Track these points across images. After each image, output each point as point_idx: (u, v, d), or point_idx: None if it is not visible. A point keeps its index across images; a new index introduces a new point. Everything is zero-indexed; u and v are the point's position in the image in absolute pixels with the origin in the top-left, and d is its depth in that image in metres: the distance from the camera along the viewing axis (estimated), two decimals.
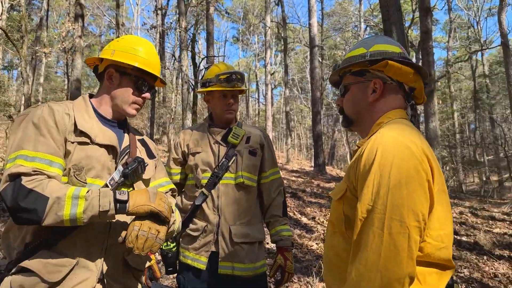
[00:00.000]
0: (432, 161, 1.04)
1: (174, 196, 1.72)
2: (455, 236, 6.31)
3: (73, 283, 1.29)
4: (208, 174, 2.07)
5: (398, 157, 1.00)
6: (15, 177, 1.23)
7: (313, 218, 7.07)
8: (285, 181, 10.62)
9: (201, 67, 12.84)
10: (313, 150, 17.09)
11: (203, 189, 2.05)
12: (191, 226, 2.07)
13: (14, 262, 1.28)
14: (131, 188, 1.50)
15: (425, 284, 1.01)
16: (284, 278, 2.10)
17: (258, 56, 34.28)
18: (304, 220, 6.97)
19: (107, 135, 1.45)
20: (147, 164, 1.55)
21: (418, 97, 1.30)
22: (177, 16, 14.91)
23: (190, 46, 13.11)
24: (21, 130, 1.32)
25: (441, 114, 26.10)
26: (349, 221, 1.11)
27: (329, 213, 1.25)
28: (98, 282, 1.36)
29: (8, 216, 1.25)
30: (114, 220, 1.41)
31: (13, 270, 1.27)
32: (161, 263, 2.23)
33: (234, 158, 2.10)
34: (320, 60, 21.44)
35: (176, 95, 22.94)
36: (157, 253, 1.64)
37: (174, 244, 2.10)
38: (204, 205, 2.05)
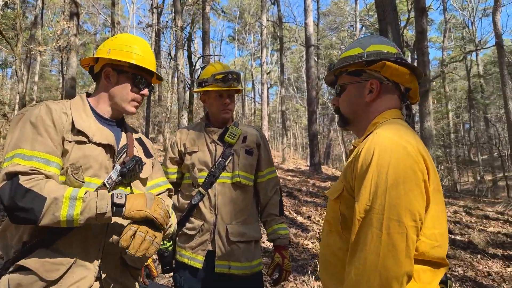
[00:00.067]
0: (427, 161, 1.05)
1: (170, 196, 1.73)
2: (450, 235, 6.35)
3: (70, 281, 1.29)
4: (205, 174, 2.08)
5: (395, 158, 1.01)
6: (12, 176, 1.23)
7: (309, 217, 7.09)
8: (281, 180, 10.63)
9: (197, 66, 12.83)
10: (308, 149, 17.12)
11: (200, 188, 2.06)
12: (188, 225, 2.07)
13: (11, 260, 1.29)
14: (129, 187, 1.51)
15: (420, 281, 1.03)
16: (282, 276, 2.12)
17: (254, 55, 34.29)
18: (300, 219, 6.99)
19: (104, 134, 1.46)
20: (145, 163, 1.56)
21: (413, 97, 1.32)
22: (173, 15, 14.89)
23: (186, 45, 13.09)
24: (18, 129, 1.33)
25: (436, 114, 26.25)
26: (345, 220, 1.12)
27: (325, 212, 1.26)
28: (95, 281, 1.36)
29: (4, 215, 1.26)
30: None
31: (11, 269, 1.27)
32: (157, 262, 2.24)
33: (230, 157, 2.10)
34: (316, 60, 21.48)
35: (171, 94, 22.89)
36: None
37: (171, 243, 2.11)
38: (201, 204, 2.05)
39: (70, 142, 1.37)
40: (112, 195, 1.27)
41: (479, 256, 5.47)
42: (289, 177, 12.58)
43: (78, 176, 1.35)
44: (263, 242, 4.98)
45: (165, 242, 2.10)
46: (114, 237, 1.35)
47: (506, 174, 19.23)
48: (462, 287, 4.33)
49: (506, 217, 8.46)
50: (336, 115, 1.39)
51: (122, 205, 1.26)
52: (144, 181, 1.59)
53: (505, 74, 14.56)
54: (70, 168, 1.35)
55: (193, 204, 2.05)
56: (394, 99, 1.26)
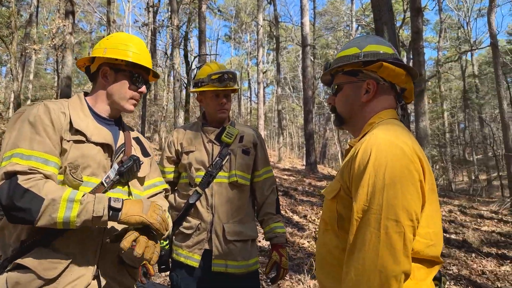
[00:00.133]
0: (423, 161, 1.07)
1: (167, 197, 1.74)
2: (445, 234, 6.39)
3: (68, 280, 1.30)
4: (202, 173, 2.09)
5: (391, 158, 1.02)
6: (11, 176, 1.23)
7: (305, 216, 7.11)
8: (277, 180, 10.64)
9: (193, 66, 12.82)
10: (304, 149, 17.15)
11: (197, 188, 2.07)
12: (185, 224, 2.08)
13: (9, 259, 1.29)
14: (126, 187, 1.51)
15: (414, 278, 1.04)
16: (280, 274, 2.13)
17: (250, 55, 34.28)
18: (296, 218, 7.00)
19: (102, 134, 1.46)
20: (142, 162, 1.57)
21: (407, 97, 1.33)
22: (169, 13, 14.85)
23: (182, 44, 13.06)
24: (16, 128, 1.33)
25: (431, 114, 26.39)
26: (342, 219, 1.13)
27: (321, 211, 1.27)
28: (93, 279, 1.37)
29: (2, 214, 1.27)
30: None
31: (9, 267, 1.28)
32: None
33: (227, 157, 2.11)
34: (312, 59, 21.52)
35: (167, 93, 22.82)
36: None
37: (167, 242, 2.12)
38: (198, 203, 2.06)
39: (68, 141, 1.38)
40: (110, 199, 1.27)
41: (473, 255, 5.51)
42: (285, 176, 12.60)
43: (77, 175, 1.36)
44: (259, 241, 4.99)
45: (161, 241, 2.11)
46: (109, 239, 1.35)
47: (500, 174, 19.37)
48: (457, 285, 4.36)
49: (500, 216, 8.53)
50: (332, 114, 1.40)
51: (119, 210, 1.27)
52: (141, 180, 1.60)
53: (499, 74, 14.65)
54: (69, 167, 1.35)
55: (190, 203, 2.06)
56: (390, 99, 1.28)
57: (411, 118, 11.56)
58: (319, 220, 6.73)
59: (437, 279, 1.13)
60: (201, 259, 2.01)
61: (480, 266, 5.08)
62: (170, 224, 1.56)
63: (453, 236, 6.45)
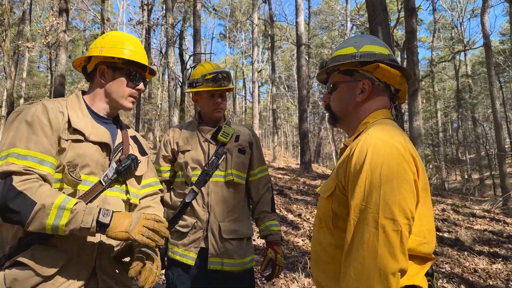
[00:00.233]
0: (417, 161, 1.09)
1: (161, 197, 1.76)
2: (438, 233, 6.45)
3: (66, 277, 1.31)
4: (198, 172, 2.10)
5: (387, 158, 1.04)
6: (6, 176, 1.24)
7: (299, 215, 7.13)
8: (271, 179, 10.66)
9: (188, 65, 12.78)
10: (299, 148, 17.19)
11: (193, 187, 2.08)
12: (181, 222, 2.09)
13: (7, 256, 1.30)
14: (124, 185, 1.52)
15: (407, 274, 1.06)
16: (275, 272, 2.15)
17: (245, 54, 34.23)
18: (291, 217, 7.03)
19: (100, 133, 1.47)
20: (140, 161, 1.58)
21: (401, 97, 1.35)
22: (164, 12, 14.80)
23: (177, 42, 13.03)
24: (14, 128, 1.34)
25: (425, 113, 26.56)
26: (337, 217, 1.15)
27: (316, 209, 1.29)
28: (90, 277, 1.38)
29: None
30: None
31: (7, 264, 1.28)
32: None
33: (224, 156, 2.13)
34: (307, 59, 21.55)
35: (162, 92, 22.77)
36: None
37: (163, 240, 2.12)
38: (194, 202, 2.07)
39: (66, 140, 1.38)
40: (100, 211, 1.27)
41: (466, 253, 5.56)
42: (280, 175, 12.63)
43: (75, 174, 1.37)
44: (254, 240, 5.01)
45: None
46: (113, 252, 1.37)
47: (492, 173, 19.55)
48: (449, 283, 4.41)
49: (492, 215, 8.61)
50: (326, 113, 1.42)
51: (107, 225, 1.26)
52: (139, 179, 1.61)
53: (492, 75, 14.77)
54: (67, 166, 1.36)
55: (186, 202, 2.07)
56: (384, 100, 1.29)
57: (404, 118, 11.63)
58: (313, 219, 6.75)
59: (429, 275, 1.15)
60: (197, 257, 2.03)
61: (472, 264, 5.13)
62: (167, 233, 1.56)
63: (446, 235, 6.50)
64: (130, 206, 1.60)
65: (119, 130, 1.62)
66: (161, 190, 1.76)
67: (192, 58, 12.43)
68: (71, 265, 1.33)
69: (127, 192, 1.54)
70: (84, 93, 1.59)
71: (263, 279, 3.88)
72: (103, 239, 1.42)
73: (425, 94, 26.47)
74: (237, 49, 38.25)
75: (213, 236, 2.04)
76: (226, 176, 2.11)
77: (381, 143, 1.08)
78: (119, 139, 1.58)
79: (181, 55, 13.03)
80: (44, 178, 1.30)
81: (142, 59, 1.56)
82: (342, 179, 1.13)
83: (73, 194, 1.38)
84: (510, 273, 4.72)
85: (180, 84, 12.42)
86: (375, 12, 6.16)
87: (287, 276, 4.21)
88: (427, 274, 1.14)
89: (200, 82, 2.15)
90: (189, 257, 2.03)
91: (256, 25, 22.24)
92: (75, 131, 1.41)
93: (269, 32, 22.29)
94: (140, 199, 1.63)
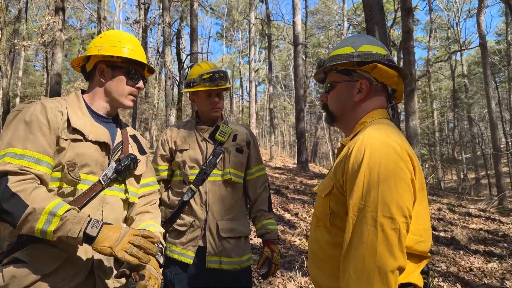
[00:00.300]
0: (414, 160, 1.10)
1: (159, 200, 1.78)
2: (433, 232, 6.48)
3: (64, 275, 1.32)
4: (196, 171, 2.11)
5: (385, 157, 1.06)
6: (2, 176, 1.24)
7: (296, 214, 7.14)
8: (268, 178, 10.68)
9: (185, 65, 12.75)
10: (296, 147, 17.21)
11: (191, 185, 2.09)
12: (179, 221, 2.10)
13: (5, 253, 1.30)
14: (123, 184, 1.53)
15: (404, 271, 1.07)
16: (271, 270, 2.17)
17: (242, 53, 34.21)
18: (287, 216, 7.04)
19: (100, 132, 1.48)
20: (139, 161, 1.58)
21: (398, 97, 1.36)
22: (160, 11, 14.78)
23: (174, 42, 13.01)
24: (12, 127, 1.35)
25: (421, 113, 26.65)
26: (334, 215, 1.17)
27: (314, 208, 1.30)
28: (88, 275, 1.38)
29: None
30: (105, 215, 1.44)
31: (4, 262, 1.29)
32: None
33: (221, 155, 2.14)
34: (304, 58, 21.56)
35: (158, 91, 22.73)
36: None
37: None
38: (192, 201, 2.08)
39: (66, 140, 1.39)
40: (89, 222, 1.24)
41: (461, 252, 5.60)
42: (277, 175, 12.64)
43: (74, 173, 1.37)
44: (251, 239, 5.02)
45: None
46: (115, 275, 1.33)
47: (488, 173, 19.65)
48: (445, 282, 4.43)
49: (488, 214, 8.66)
50: (323, 112, 1.43)
51: (93, 238, 1.23)
52: (138, 178, 1.62)
53: (488, 75, 14.85)
54: (66, 166, 1.37)
55: (184, 201, 2.08)
56: (381, 100, 1.31)
57: (401, 117, 11.68)
58: (310, 218, 6.76)
59: (425, 273, 1.17)
60: (195, 256, 2.04)
61: (468, 263, 5.16)
62: (155, 249, 1.51)
63: (442, 234, 6.54)
64: (129, 205, 1.60)
65: (118, 129, 1.62)
66: (158, 190, 1.77)
67: (189, 57, 12.41)
68: (69, 264, 1.34)
69: (126, 191, 1.54)
70: (83, 92, 1.60)
71: (260, 277, 3.89)
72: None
73: (422, 94, 26.56)
74: (234, 48, 38.22)
75: (211, 234, 2.05)
76: (224, 175, 2.12)
77: (378, 143, 1.09)
78: (118, 138, 1.59)
79: (178, 54, 13.01)
80: (41, 178, 1.30)
81: (141, 57, 1.57)
82: (340, 178, 1.15)
83: (72, 193, 1.39)
84: (505, 271, 4.76)
85: (177, 83, 12.41)
86: (372, 12, 6.18)
87: (284, 275, 4.22)
88: (422, 272, 1.16)
89: (197, 82, 2.16)
90: (187, 255, 2.04)
91: (253, 24, 22.22)
92: (74, 130, 1.41)
93: (266, 32, 22.30)
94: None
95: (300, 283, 4.03)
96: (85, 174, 1.41)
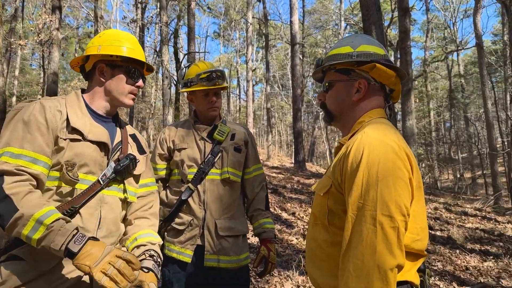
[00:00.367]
0: (411, 159, 1.12)
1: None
2: (430, 231, 6.51)
3: (62, 273, 1.33)
4: (194, 170, 2.11)
5: (383, 156, 1.07)
6: None
7: (293, 214, 7.16)
8: (266, 177, 10.67)
9: (182, 65, 12.72)
10: (293, 147, 17.23)
11: (190, 184, 2.10)
12: (177, 220, 2.11)
13: (3, 250, 1.31)
14: (122, 184, 1.53)
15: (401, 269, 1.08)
16: (268, 269, 2.18)
17: (239, 52, 34.19)
18: (285, 215, 7.05)
19: (99, 132, 1.48)
20: (138, 161, 1.59)
21: (395, 97, 1.37)
22: (158, 10, 14.74)
23: (172, 41, 12.98)
24: (11, 127, 1.35)
25: (418, 113, 26.74)
26: (332, 214, 1.18)
27: (312, 206, 1.31)
28: (85, 274, 1.38)
29: None
30: (103, 215, 1.44)
31: (2, 259, 1.29)
32: None
33: (219, 154, 2.15)
34: (301, 58, 21.59)
35: (156, 90, 22.68)
36: None
37: (159, 238, 2.13)
38: (190, 199, 2.09)
39: (64, 139, 1.39)
40: (74, 236, 1.21)
41: (457, 251, 5.62)
42: (274, 174, 12.65)
43: (73, 173, 1.38)
44: (248, 238, 5.02)
45: None
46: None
47: (484, 172, 19.75)
48: (441, 281, 4.46)
49: (484, 213, 8.70)
50: (322, 111, 1.44)
51: (74, 254, 1.19)
52: (137, 178, 1.63)
53: (484, 74, 14.93)
54: (65, 165, 1.37)
55: (182, 200, 2.09)
56: (379, 99, 1.32)
57: (398, 117, 11.71)
58: (307, 217, 6.78)
59: (421, 271, 1.18)
60: (193, 255, 2.04)
61: (464, 262, 5.19)
62: (132, 277, 1.49)
63: (438, 233, 6.57)
64: (127, 205, 1.61)
65: (118, 129, 1.63)
66: (156, 191, 1.77)
67: (186, 56, 12.39)
68: (67, 262, 1.34)
69: (124, 191, 1.55)
70: (83, 91, 1.60)
71: (257, 276, 3.90)
72: (99, 237, 1.43)
73: (418, 93, 26.64)
74: (231, 47, 38.18)
75: (209, 233, 2.06)
76: (222, 174, 2.13)
77: (377, 142, 1.10)
78: (118, 138, 1.59)
79: (175, 54, 13.00)
80: (37, 178, 1.31)
81: (140, 56, 1.58)
82: (338, 177, 1.15)
83: (70, 193, 1.39)
84: (501, 270, 4.79)
85: (175, 82, 12.39)
86: (369, 11, 6.20)
87: (281, 274, 4.23)
88: (419, 270, 1.17)
89: (194, 82, 2.17)
90: (185, 254, 2.05)
91: (251, 23, 22.22)
92: (74, 130, 1.41)
93: (264, 31, 22.30)
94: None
95: (298, 282, 4.05)
96: (83, 174, 1.41)
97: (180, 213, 2.11)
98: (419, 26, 34.84)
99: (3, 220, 1.20)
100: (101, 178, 1.45)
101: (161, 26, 12.13)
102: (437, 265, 4.98)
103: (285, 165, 18.25)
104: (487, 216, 8.41)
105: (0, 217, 1.21)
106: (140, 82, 1.60)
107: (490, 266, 4.98)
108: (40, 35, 15.19)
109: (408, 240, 1.09)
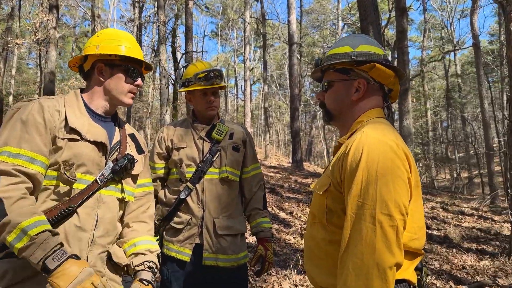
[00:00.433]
0: (410, 159, 1.13)
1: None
2: (427, 230, 6.53)
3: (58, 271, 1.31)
4: (193, 169, 2.12)
5: (382, 156, 1.08)
6: None
7: (291, 213, 7.17)
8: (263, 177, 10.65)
9: (180, 65, 12.69)
10: (291, 146, 17.23)
11: (188, 183, 2.10)
12: (175, 219, 2.11)
13: (1, 248, 1.31)
14: (120, 184, 1.53)
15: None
16: (264, 268, 2.19)
17: (237, 52, 34.16)
18: (282, 215, 7.06)
19: (97, 132, 1.48)
20: (136, 161, 1.59)
21: (393, 97, 1.38)
22: (155, 9, 14.72)
23: (169, 40, 12.96)
24: (9, 126, 1.36)
25: (415, 112, 26.79)
26: (331, 212, 1.18)
27: (310, 205, 1.32)
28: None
29: None
30: (101, 215, 1.45)
31: (0, 256, 1.30)
32: None
33: (218, 153, 2.16)
34: (299, 57, 21.58)
35: (153, 90, 22.62)
36: None
37: (158, 237, 2.14)
38: (188, 198, 2.10)
39: (62, 139, 1.40)
40: (55, 251, 1.20)
41: (454, 250, 5.65)
42: (272, 174, 12.65)
43: (70, 173, 1.38)
44: (246, 237, 5.03)
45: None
46: None
47: (481, 172, 19.81)
48: (438, 280, 4.48)
49: (480, 213, 8.75)
50: (321, 110, 1.44)
51: (49, 271, 1.18)
52: (135, 178, 1.63)
53: (481, 74, 14.97)
54: (63, 165, 1.38)
55: (181, 199, 2.10)
56: (378, 99, 1.33)
57: (395, 117, 11.74)
58: (305, 217, 6.79)
59: (418, 269, 1.19)
60: (192, 253, 2.05)
61: (460, 261, 5.22)
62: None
63: (435, 232, 6.59)
64: (125, 205, 1.61)
65: (117, 128, 1.63)
66: (152, 191, 1.78)
67: (184, 56, 12.37)
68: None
69: (122, 190, 1.56)
70: (82, 91, 1.60)
71: (254, 274, 3.91)
72: (96, 237, 1.44)
73: (415, 93, 26.71)
74: (229, 47, 38.12)
75: (207, 232, 2.07)
76: (221, 173, 2.14)
77: (376, 142, 1.11)
78: (116, 137, 1.59)
79: (173, 53, 12.98)
80: (34, 178, 1.31)
81: (138, 55, 1.58)
82: (337, 176, 1.16)
83: (68, 192, 1.40)
84: (497, 269, 4.82)
85: (173, 82, 12.36)
86: (367, 11, 6.21)
87: (279, 273, 4.24)
88: (416, 269, 1.18)
89: (192, 81, 2.18)
90: (184, 253, 2.05)
91: (248, 23, 22.21)
92: (72, 130, 1.42)
93: (261, 31, 22.29)
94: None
95: (295, 281, 4.06)
96: (81, 174, 1.42)
97: (178, 212, 2.12)
98: (416, 26, 34.90)
99: None
100: (99, 178, 1.45)
101: (158, 26, 12.11)
102: (434, 264, 5.00)
103: (282, 164, 18.25)
104: (484, 215, 8.45)
105: None
106: (139, 81, 1.61)
107: (487, 265, 5.01)
108: (37, 34, 15.14)
109: (406, 238, 1.10)
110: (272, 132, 33.18)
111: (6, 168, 1.25)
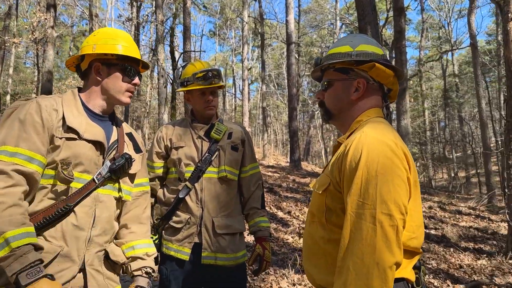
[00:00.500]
0: (408, 158, 1.13)
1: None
2: (425, 230, 6.54)
3: (55, 269, 1.33)
4: (192, 168, 2.12)
5: (382, 155, 1.08)
6: None
7: (289, 213, 7.18)
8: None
9: (178, 65, 12.69)
10: (289, 146, 17.25)
11: (187, 183, 2.11)
12: (174, 218, 2.11)
13: None
14: (117, 183, 1.54)
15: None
16: (262, 267, 2.20)
17: (235, 51, 34.13)
18: (280, 214, 7.07)
19: (95, 131, 1.48)
20: (134, 160, 1.59)
21: (392, 97, 1.39)
22: (153, 8, 14.71)
23: (168, 40, 12.95)
24: (7, 125, 1.36)
25: (413, 112, 26.86)
26: (330, 212, 1.19)
27: (309, 204, 1.32)
28: (79, 271, 1.40)
29: None
30: (98, 214, 1.45)
31: None
32: None
33: (216, 152, 2.16)
34: (297, 57, 21.59)
35: (151, 89, 22.60)
36: None
37: (157, 236, 2.15)
38: (187, 198, 2.10)
39: (60, 138, 1.40)
40: (31, 267, 1.19)
41: (451, 249, 5.67)
42: (270, 173, 12.66)
43: (67, 172, 1.38)
44: (244, 237, 5.03)
45: (151, 235, 2.13)
46: None
47: (478, 171, 19.88)
48: (436, 279, 4.49)
49: (477, 212, 8.78)
50: (319, 110, 1.45)
51: (20, 286, 1.17)
52: (132, 177, 1.63)
53: (478, 74, 15.02)
54: (60, 164, 1.38)
55: (180, 198, 2.10)
56: (377, 99, 1.33)
57: (393, 116, 11.77)
58: (303, 216, 6.79)
59: (417, 268, 1.20)
60: (191, 252, 2.06)
61: (458, 260, 5.24)
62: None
63: (432, 232, 6.62)
64: (122, 204, 1.61)
65: (114, 127, 1.63)
66: (149, 191, 1.78)
67: (182, 55, 12.36)
68: (61, 259, 1.35)
69: (119, 189, 1.56)
70: (80, 90, 1.60)
71: (252, 273, 3.92)
72: (93, 236, 1.44)
73: (413, 93, 26.75)
74: (227, 46, 38.05)
75: (206, 231, 2.07)
76: (220, 172, 2.14)
77: (375, 141, 1.11)
78: (114, 136, 1.59)
79: (172, 52, 12.97)
80: (31, 177, 1.31)
81: (135, 53, 1.58)
82: (336, 175, 1.17)
83: (65, 191, 1.40)
84: (494, 268, 4.84)
85: (171, 81, 12.36)
86: (364, 11, 6.22)
87: (277, 272, 4.25)
88: (414, 267, 1.18)
89: (191, 81, 2.18)
90: (183, 252, 2.06)
91: (246, 23, 22.19)
92: (69, 129, 1.42)
93: (259, 30, 22.29)
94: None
95: (293, 280, 4.06)
96: (79, 173, 1.42)
97: (177, 211, 2.12)
98: (414, 25, 34.98)
99: None
100: (96, 177, 1.45)
101: (156, 25, 12.09)
102: (431, 263, 5.02)
103: (280, 164, 18.26)
104: (481, 214, 8.48)
105: None
106: (136, 80, 1.61)
107: (484, 264, 5.03)
108: (34, 33, 15.11)
109: (405, 237, 1.11)
110: (270, 131, 33.21)
111: (4, 168, 1.25)
